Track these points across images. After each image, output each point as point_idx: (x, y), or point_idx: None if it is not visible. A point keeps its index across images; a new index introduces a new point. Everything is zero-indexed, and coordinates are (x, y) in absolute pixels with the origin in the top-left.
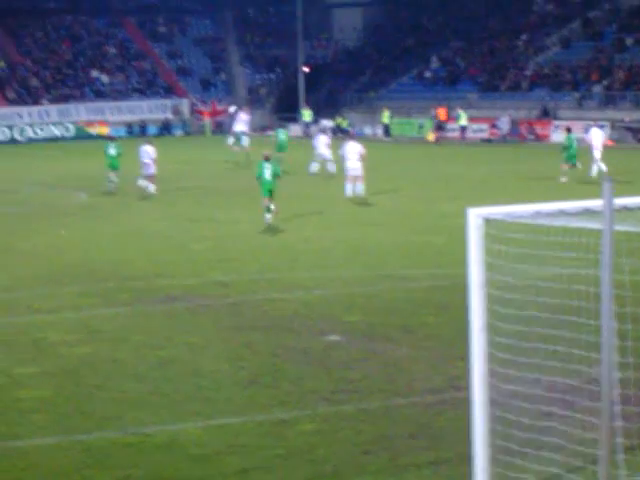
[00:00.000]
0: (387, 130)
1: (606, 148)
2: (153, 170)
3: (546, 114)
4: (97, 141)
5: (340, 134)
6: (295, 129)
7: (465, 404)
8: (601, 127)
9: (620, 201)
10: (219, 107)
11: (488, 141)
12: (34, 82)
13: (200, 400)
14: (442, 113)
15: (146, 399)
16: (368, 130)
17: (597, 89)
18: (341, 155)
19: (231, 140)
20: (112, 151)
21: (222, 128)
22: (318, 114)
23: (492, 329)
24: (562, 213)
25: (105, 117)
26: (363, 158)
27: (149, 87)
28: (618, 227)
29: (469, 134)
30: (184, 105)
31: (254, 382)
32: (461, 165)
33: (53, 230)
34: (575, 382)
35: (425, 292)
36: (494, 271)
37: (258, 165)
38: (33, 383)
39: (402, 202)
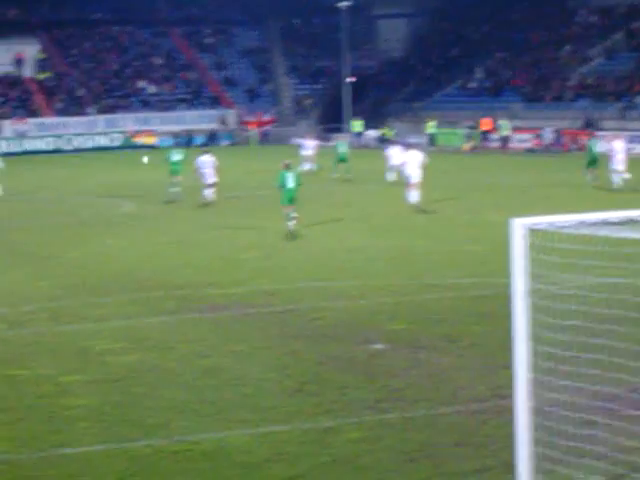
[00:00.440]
0: (432, 140)
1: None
2: (214, 179)
3: (589, 125)
4: (144, 151)
5: (385, 144)
6: (341, 139)
7: (509, 412)
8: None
9: None
10: (265, 118)
11: (531, 151)
12: (81, 92)
13: (246, 408)
14: (486, 123)
15: (192, 407)
16: (413, 140)
17: None
18: (402, 164)
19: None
20: (175, 157)
21: (267, 138)
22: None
23: (536, 338)
24: (606, 223)
25: (152, 127)
26: (423, 166)
27: (196, 97)
28: None
29: (513, 144)
30: (230, 115)
31: (300, 390)
32: (505, 175)
33: (100, 239)
34: (618, 390)
35: (469, 301)
36: (538, 280)
37: (279, 174)
38: (80, 391)
39: (447, 211)
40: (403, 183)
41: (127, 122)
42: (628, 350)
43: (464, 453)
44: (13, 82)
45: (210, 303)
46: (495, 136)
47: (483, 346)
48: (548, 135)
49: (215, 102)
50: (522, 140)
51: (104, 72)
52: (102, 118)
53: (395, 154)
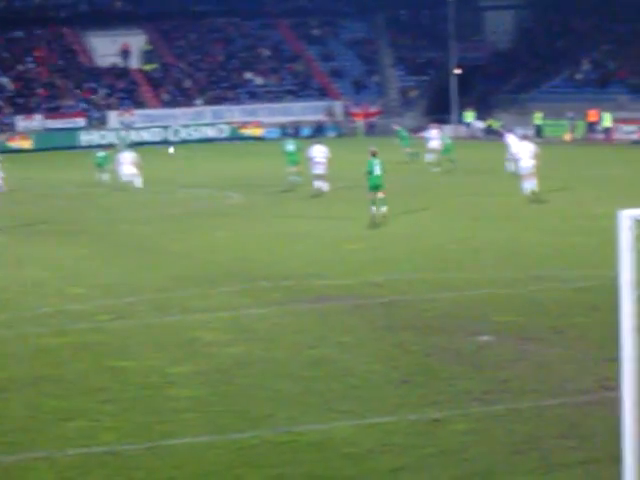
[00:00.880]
0: (539, 131)
1: None
2: (325, 169)
3: None
4: (250, 143)
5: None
6: (447, 130)
7: (615, 404)
8: None
9: None
10: (371, 109)
11: (637, 143)
12: (187, 84)
13: (352, 399)
14: (593, 115)
15: (298, 398)
16: (519, 131)
17: None
18: (514, 154)
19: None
20: (291, 147)
21: (374, 130)
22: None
23: None
24: None
25: (259, 118)
26: (536, 157)
27: (302, 89)
28: None
29: (619, 135)
30: (337, 107)
31: (406, 382)
32: (610, 166)
33: (207, 231)
34: None
35: (576, 293)
36: None
37: (368, 162)
38: (186, 382)
39: (554, 203)
40: (516, 174)
41: (234, 113)
42: None
43: (570, 445)
44: (119, 73)
45: (317, 294)
46: (599, 128)
47: (590, 338)
48: None
49: (322, 93)
50: (628, 132)
51: (210, 64)
52: (209, 109)
53: (513, 143)
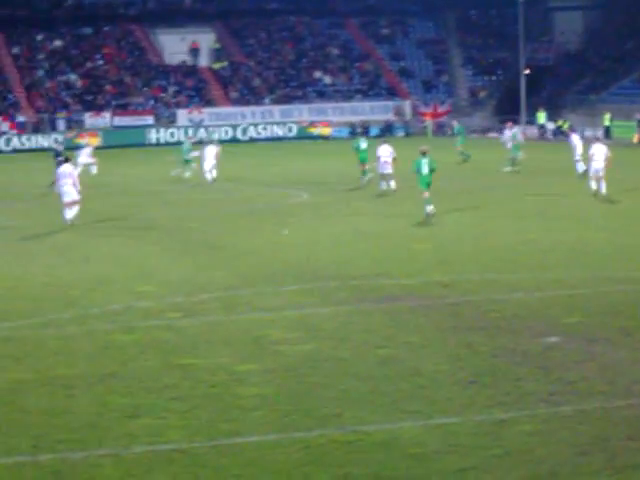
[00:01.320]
0: (607, 132)
1: None
2: (391, 169)
3: None
4: (318, 142)
5: (560, 136)
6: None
7: None
8: None
9: None
10: (440, 109)
11: None
12: (257, 82)
13: (420, 399)
14: None
15: (366, 397)
16: (589, 132)
17: None
18: (589, 155)
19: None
20: (364, 145)
21: (443, 130)
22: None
23: None
24: None
25: (327, 118)
26: (608, 160)
27: (371, 88)
28: None
29: None
30: (406, 106)
31: (473, 382)
32: None
33: (275, 229)
34: None
35: None
36: None
37: (416, 160)
38: (254, 380)
39: (624, 204)
40: (585, 175)
41: (302, 112)
42: None
43: (637, 447)
44: (188, 71)
45: (385, 294)
46: None
47: None
48: None
49: (390, 93)
50: None
51: (280, 62)
52: (277, 108)
53: (579, 143)
